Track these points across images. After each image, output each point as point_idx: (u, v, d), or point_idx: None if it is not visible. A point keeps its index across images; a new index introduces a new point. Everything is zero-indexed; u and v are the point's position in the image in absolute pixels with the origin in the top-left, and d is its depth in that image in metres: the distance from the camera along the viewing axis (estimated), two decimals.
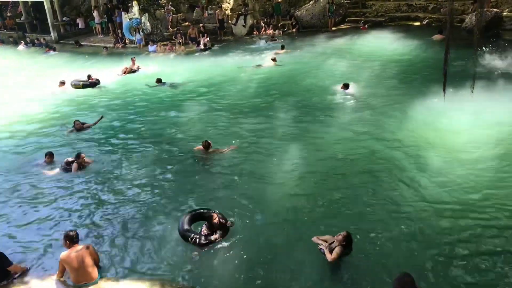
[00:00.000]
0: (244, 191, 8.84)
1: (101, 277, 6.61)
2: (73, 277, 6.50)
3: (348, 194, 8.46)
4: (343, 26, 26.16)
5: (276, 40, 24.03)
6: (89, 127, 12.64)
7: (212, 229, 7.23)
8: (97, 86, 17.30)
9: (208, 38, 24.01)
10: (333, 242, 6.57)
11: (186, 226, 7.27)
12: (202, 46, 23.23)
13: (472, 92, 10.77)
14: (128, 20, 24.54)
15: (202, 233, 7.20)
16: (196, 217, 7.50)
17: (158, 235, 7.61)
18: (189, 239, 7.12)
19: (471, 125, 10.94)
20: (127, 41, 25.46)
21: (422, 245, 6.91)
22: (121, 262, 7.00)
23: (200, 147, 10.52)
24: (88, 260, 6.52)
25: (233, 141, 11.00)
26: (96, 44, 26.41)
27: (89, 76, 17.55)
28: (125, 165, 10.26)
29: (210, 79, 17.44)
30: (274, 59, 18.89)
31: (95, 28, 28.47)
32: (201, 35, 24.45)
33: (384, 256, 6.72)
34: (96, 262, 6.69)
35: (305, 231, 7.35)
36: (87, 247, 6.67)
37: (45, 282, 6.61)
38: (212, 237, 7.15)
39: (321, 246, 6.65)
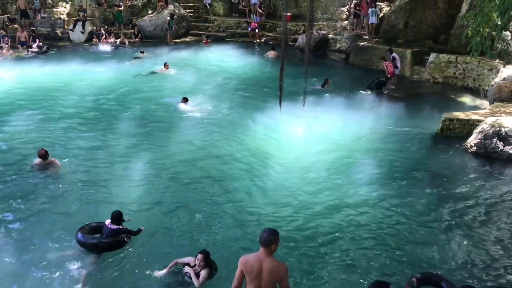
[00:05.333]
0: (84, 208, 8.30)
1: None
2: None
3: (193, 209, 8.37)
4: (186, 39, 26.48)
5: (125, 46, 23.83)
6: None
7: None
8: None
9: (41, 43, 22.16)
10: (195, 265, 6.37)
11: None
12: (34, 50, 21.39)
13: (303, 105, 11.78)
14: None
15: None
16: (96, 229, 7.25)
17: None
18: (124, 242, 7.04)
19: (303, 136, 11.88)
20: None
21: None
22: None
23: (39, 159, 9.61)
24: None
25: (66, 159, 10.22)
26: None
27: None
28: None
29: (40, 87, 16.06)
30: (166, 65, 18.57)
31: None
32: (31, 39, 22.44)
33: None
34: None
35: (159, 249, 7.14)
36: None
37: None
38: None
39: (186, 270, 6.40)
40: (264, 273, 4.87)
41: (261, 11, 26.61)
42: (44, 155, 9.62)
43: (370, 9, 20.62)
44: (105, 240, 6.97)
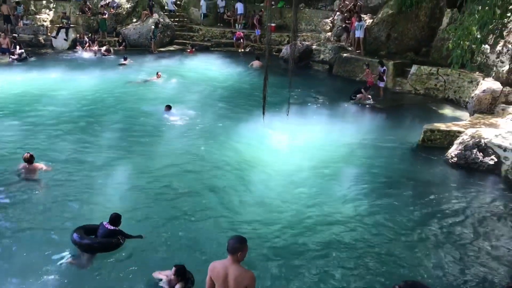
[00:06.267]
0: (68, 214, 8.22)
1: None
2: None
3: (176, 220, 8.30)
4: (170, 48, 26.49)
5: (109, 54, 23.83)
6: None
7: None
8: None
9: (22, 50, 21.89)
10: (171, 278, 6.36)
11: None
12: (14, 57, 21.19)
13: (287, 115, 11.82)
14: None
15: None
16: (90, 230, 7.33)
17: None
18: (120, 243, 7.16)
19: (286, 145, 11.95)
20: None
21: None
22: None
23: (24, 164, 9.45)
24: None
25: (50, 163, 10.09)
26: None
27: None
28: None
29: (22, 95, 15.79)
30: (158, 74, 18.73)
31: None
32: (13, 45, 22.16)
33: None
34: None
35: (140, 260, 7.08)
36: None
37: None
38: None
39: (161, 284, 6.41)
40: (230, 281, 4.88)
41: (257, 24, 26.34)
42: (29, 159, 9.46)
43: (356, 23, 20.78)
44: (100, 240, 7.10)
